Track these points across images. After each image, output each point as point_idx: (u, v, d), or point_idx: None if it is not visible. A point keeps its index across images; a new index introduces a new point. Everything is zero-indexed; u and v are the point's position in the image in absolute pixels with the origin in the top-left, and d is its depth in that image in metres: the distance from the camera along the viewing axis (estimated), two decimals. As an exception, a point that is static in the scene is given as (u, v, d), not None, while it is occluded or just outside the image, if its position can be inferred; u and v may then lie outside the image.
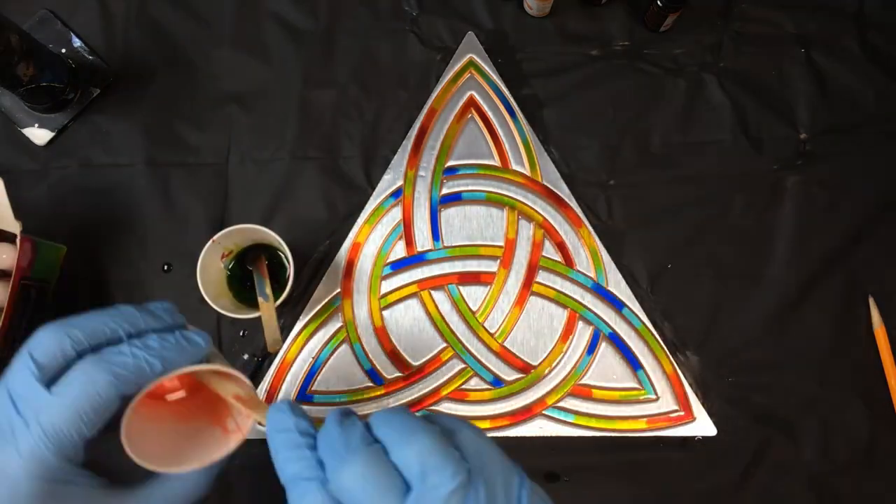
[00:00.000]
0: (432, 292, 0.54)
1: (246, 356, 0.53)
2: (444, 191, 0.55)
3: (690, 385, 0.53)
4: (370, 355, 0.53)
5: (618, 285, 0.54)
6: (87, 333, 0.31)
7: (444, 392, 0.53)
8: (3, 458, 0.29)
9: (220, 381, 0.33)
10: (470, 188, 0.55)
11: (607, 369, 0.53)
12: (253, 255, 0.52)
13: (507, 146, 0.55)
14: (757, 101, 0.56)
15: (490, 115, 0.56)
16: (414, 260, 0.54)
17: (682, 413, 0.52)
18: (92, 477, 0.31)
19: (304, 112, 0.56)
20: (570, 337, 0.53)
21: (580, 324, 0.54)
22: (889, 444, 0.52)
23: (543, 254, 0.54)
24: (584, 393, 0.53)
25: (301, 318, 0.53)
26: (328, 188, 0.55)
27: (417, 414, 0.32)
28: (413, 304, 0.54)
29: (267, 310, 0.48)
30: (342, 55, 0.57)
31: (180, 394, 0.35)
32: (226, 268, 0.51)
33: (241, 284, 0.52)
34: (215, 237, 0.47)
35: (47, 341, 0.30)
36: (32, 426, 0.29)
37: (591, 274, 0.54)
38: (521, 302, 0.54)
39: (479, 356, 0.53)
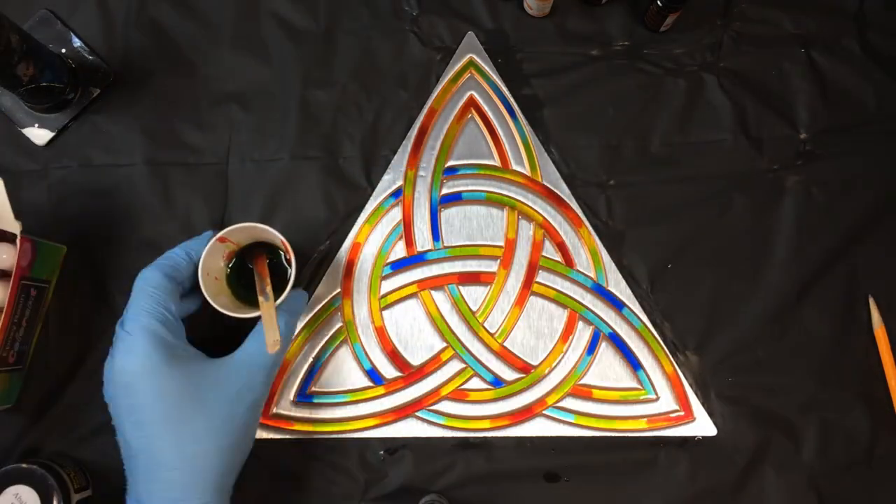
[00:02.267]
0: (432, 292, 0.54)
1: (246, 356, 0.53)
2: (444, 191, 0.55)
3: (690, 385, 0.53)
4: (370, 355, 0.53)
5: (618, 285, 0.54)
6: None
7: (444, 392, 0.53)
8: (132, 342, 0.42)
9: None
10: (470, 188, 0.55)
11: (607, 369, 0.53)
12: (254, 253, 0.52)
13: (507, 146, 0.55)
14: (757, 101, 0.56)
15: (490, 115, 0.56)
16: (414, 260, 0.54)
17: (682, 413, 0.52)
18: (192, 347, 0.45)
19: (304, 112, 0.56)
20: (570, 337, 0.53)
21: (580, 324, 0.54)
22: (889, 444, 0.52)
23: (543, 254, 0.54)
24: (584, 393, 0.53)
25: (301, 318, 0.53)
26: (328, 188, 0.55)
27: None
28: (413, 304, 0.54)
29: (267, 309, 0.48)
30: (342, 55, 0.57)
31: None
32: (226, 266, 0.51)
33: (240, 283, 0.52)
34: (221, 233, 0.47)
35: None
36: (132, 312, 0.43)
37: (591, 274, 0.54)
38: (521, 302, 0.54)
39: (478, 356, 0.53)
